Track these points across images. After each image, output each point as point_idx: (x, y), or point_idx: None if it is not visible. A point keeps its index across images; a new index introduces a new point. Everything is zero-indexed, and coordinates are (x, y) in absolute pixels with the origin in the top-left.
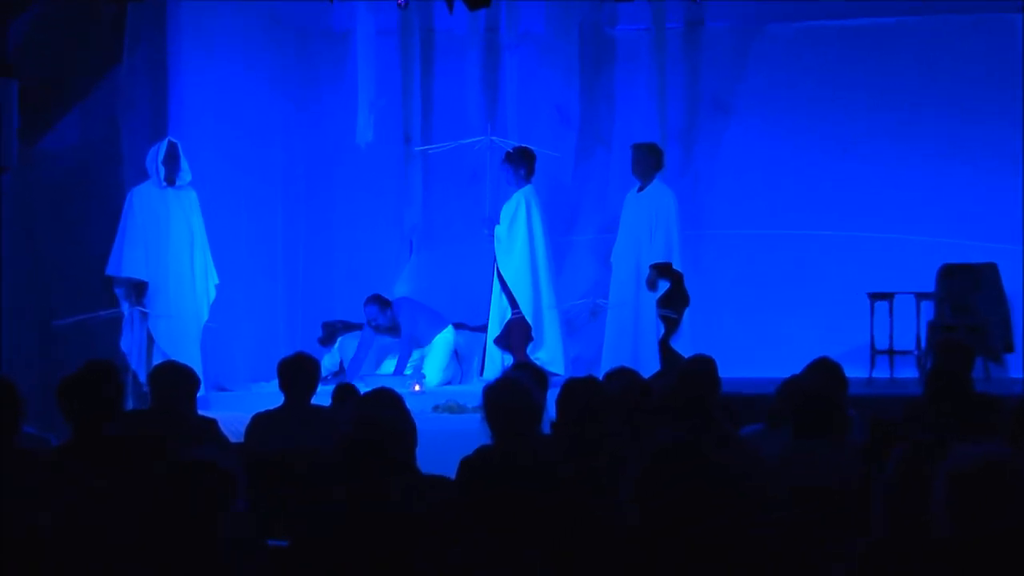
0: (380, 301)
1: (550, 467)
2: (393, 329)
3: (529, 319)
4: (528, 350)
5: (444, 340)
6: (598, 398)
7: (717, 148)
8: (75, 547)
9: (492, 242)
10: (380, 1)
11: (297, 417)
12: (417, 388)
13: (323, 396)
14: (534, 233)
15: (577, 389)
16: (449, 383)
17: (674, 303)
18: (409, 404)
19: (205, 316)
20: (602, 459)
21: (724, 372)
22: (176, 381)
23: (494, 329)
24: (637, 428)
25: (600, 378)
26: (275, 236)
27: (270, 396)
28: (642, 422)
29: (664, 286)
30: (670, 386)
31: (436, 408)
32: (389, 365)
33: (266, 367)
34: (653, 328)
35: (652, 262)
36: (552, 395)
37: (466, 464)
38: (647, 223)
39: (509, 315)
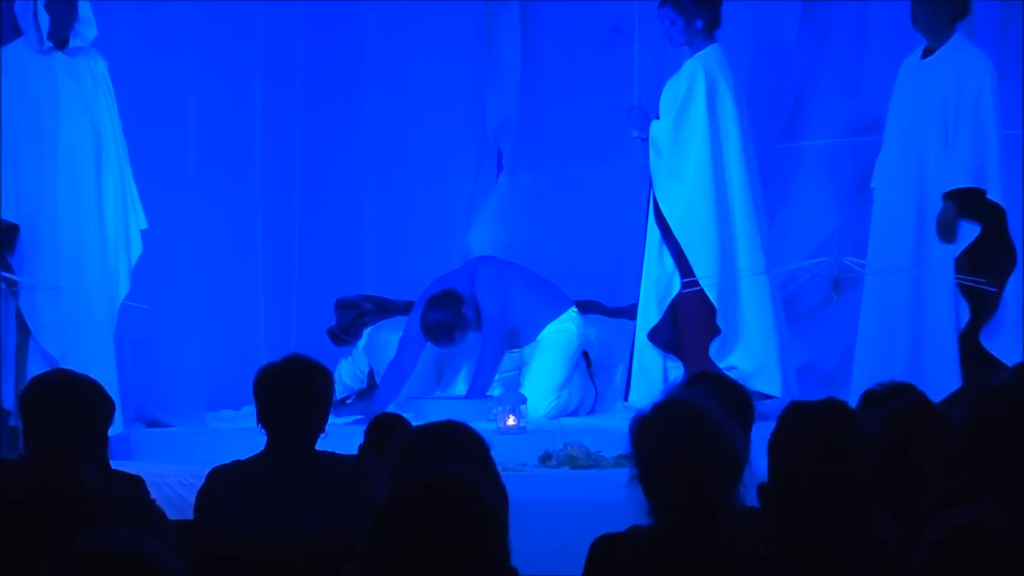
0: (453, 302)
1: (757, 565)
2: (473, 321)
3: (712, 295)
4: (712, 352)
5: (560, 335)
6: (846, 440)
7: None
8: None
9: (646, 154)
10: None
11: (291, 475)
12: (512, 421)
13: (340, 436)
14: (723, 135)
15: (807, 424)
16: (571, 413)
17: (990, 264)
18: (497, 451)
19: (124, 288)
20: (853, 551)
21: None
22: (69, 406)
23: (650, 314)
24: (919, 495)
25: (850, 403)
26: (251, 144)
27: (240, 436)
28: (929, 484)
29: (971, 232)
30: (981, 418)
31: (547, 459)
32: (461, 380)
33: (234, 383)
34: (949, 311)
35: (948, 188)
36: (760, 433)
37: (601, 557)
38: (939, 116)
39: (676, 288)
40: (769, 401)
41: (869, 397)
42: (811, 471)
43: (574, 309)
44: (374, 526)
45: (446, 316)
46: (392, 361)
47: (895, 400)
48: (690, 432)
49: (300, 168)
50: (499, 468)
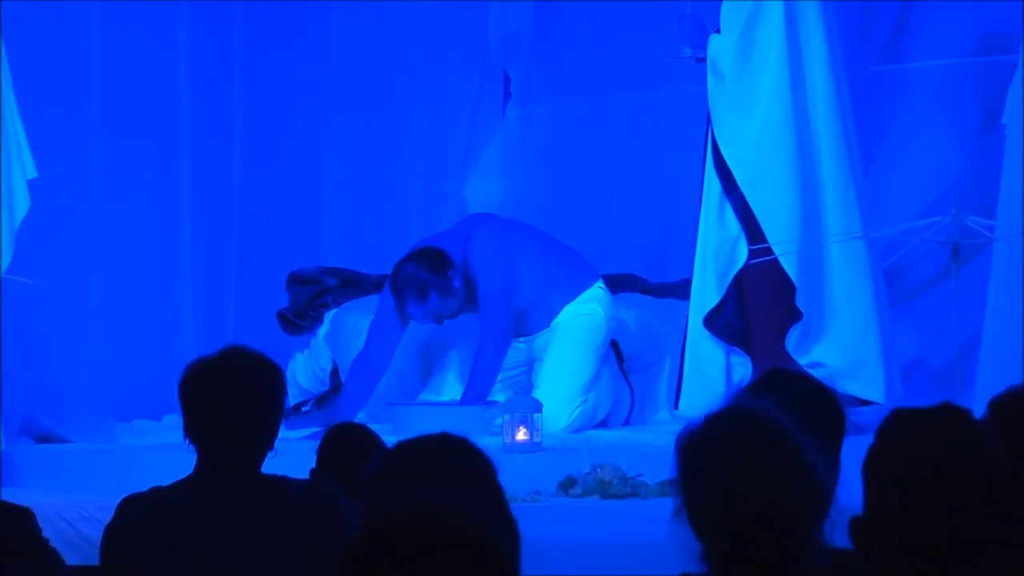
0: (439, 264)
1: None
2: (462, 294)
3: (791, 267)
4: (790, 344)
5: (583, 319)
6: (968, 459)
7: None
8: None
9: (702, 80)
10: None
11: (227, 506)
12: (523, 436)
13: (295, 454)
14: (804, 55)
15: (915, 438)
16: (600, 424)
17: None
18: (505, 475)
19: (4, 257)
20: None
21: None
22: None
23: (707, 293)
24: None
25: (974, 411)
26: (175, 71)
27: (161, 454)
28: None
29: None
30: None
31: (569, 485)
32: (453, 379)
33: (153, 386)
34: None
35: None
36: (854, 451)
37: None
38: None
39: (743, 257)
40: (866, 409)
41: (998, 407)
42: (919, 500)
43: (601, 285)
44: (341, 572)
45: (422, 273)
46: (360, 353)
47: None
48: (757, 449)
49: (240, 100)
50: (507, 497)
